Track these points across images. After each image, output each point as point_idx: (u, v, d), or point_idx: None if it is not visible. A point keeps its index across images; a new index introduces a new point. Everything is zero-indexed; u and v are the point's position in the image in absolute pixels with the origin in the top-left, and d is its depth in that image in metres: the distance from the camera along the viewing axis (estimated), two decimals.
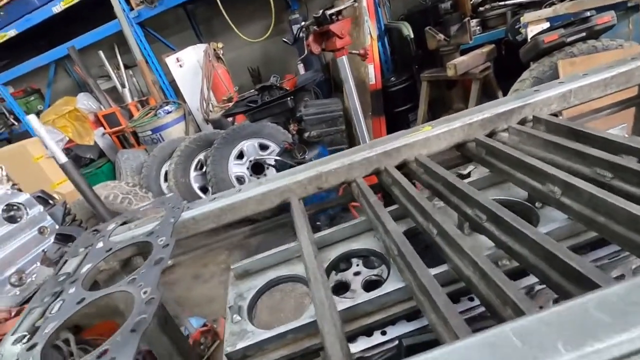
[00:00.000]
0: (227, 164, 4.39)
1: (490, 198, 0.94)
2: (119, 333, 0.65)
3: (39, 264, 2.93)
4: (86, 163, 6.72)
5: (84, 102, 6.19)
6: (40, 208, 2.98)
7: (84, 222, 3.63)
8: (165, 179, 4.94)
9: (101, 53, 6.06)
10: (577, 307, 0.45)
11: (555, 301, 0.79)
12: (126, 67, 6.37)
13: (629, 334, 0.41)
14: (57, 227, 3.15)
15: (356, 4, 3.72)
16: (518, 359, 0.41)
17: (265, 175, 4.51)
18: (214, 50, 5.23)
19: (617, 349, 0.40)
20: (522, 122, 1.11)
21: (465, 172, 1.29)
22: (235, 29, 5.27)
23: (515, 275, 0.77)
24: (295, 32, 2.56)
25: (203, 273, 4.27)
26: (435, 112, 4.73)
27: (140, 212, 1.16)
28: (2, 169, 3.07)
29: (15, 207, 2.86)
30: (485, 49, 3.67)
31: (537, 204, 0.90)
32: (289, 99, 3.02)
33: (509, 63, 3.65)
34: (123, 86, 6.22)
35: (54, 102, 6.53)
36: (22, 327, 0.77)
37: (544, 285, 0.75)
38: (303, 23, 2.42)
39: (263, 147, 4.55)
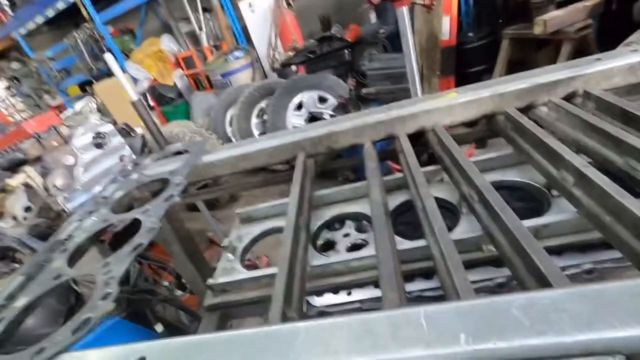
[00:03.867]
0: (286, 114, 4.49)
1: (505, 179, 0.87)
2: (121, 251, 0.78)
3: None
4: (167, 101, 7.40)
5: (166, 43, 6.65)
6: (120, 139, 3.43)
7: None
8: (230, 124, 5.24)
9: None
10: (499, 304, 0.43)
11: None
12: (204, 10, 6.59)
13: (539, 340, 0.38)
14: (134, 157, 3.62)
15: None
16: (415, 340, 0.41)
17: None
18: None
19: (520, 352, 0.38)
20: (570, 96, 0.95)
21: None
22: None
23: (498, 263, 0.72)
24: None
25: None
26: None
27: (171, 152, 1.29)
28: (92, 101, 3.53)
29: (101, 136, 3.34)
30: (589, 2, 3.04)
31: (553, 191, 0.80)
32: (346, 51, 2.90)
33: (620, 22, 3.02)
34: (200, 29, 6.50)
35: (143, 41, 7.12)
36: (62, 234, 0.96)
37: None
38: None
39: (322, 100, 4.52)
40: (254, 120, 4.93)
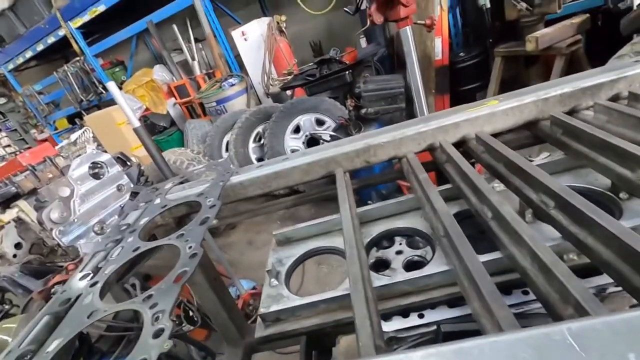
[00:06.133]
0: (284, 137, 4.48)
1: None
2: (164, 282, 0.70)
3: (117, 217, 3.32)
4: (160, 130, 7.33)
5: (159, 73, 6.67)
6: (118, 168, 3.33)
7: (154, 183, 4.00)
8: (227, 149, 5.20)
9: (175, 27, 6.42)
10: None
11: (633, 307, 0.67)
12: (196, 40, 6.69)
13: None
14: (132, 185, 3.52)
15: None
16: None
17: None
18: (277, 23, 5.24)
19: None
20: (614, 98, 0.94)
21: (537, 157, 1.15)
22: (299, 1, 5.21)
23: (583, 272, 0.67)
24: (357, 2, 2.44)
25: (256, 240, 4.51)
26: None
27: (194, 174, 1.22)
28: (89, 131, 3.45)
29: (99, 166, 3.24)
30: (577, 20, 3.18)
31: (622, 195, 0.77)
32: (347, 73, 2.93)
33: (605, 37, 3.15)
34: (193, 59, 6.57)
35: (134, 73, 7.14)
36: (87, 267, 0.87)
37: (620, 288, 0.64)
38: None
39: (319, 123, 4.54)
40: (252, 145, 4.91)
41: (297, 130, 4.52)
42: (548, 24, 3.35)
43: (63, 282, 2.18)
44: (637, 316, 0.37)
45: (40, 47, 7.34)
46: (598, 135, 0.77)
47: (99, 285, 0.76)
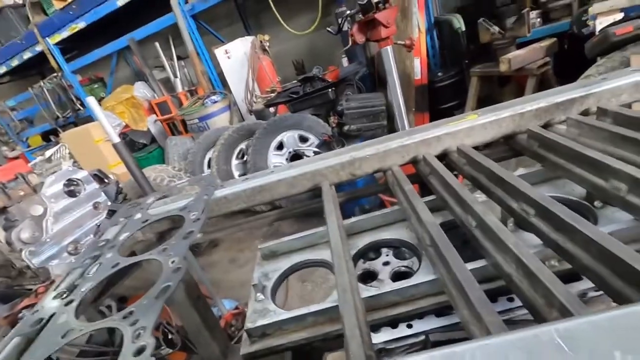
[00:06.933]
0: (267, 154, 4.47)
1: None
2: (145, 297, 0.67)
3: (92, 236, 3.19)
4: (139, 147, 7.18)
5: (140, 90, 6.60)
6: (95, 185, 3.23)
7: None
8: (209, 166, 5.13)
9: (157, 44, 6.40)
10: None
11: None
12: (179, 58, 6.69)
13: None
14: (109, 203, 3.40)
15: None
16: None
17: None
18: (261, 42, 5.32)
19: None
20: (584, 113, 0.99)
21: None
22: (282, 22, 5.32)
23: (565, 278, 0.68)
24: (339, 23, 2.51)
25: (239, 258, 4.41)
26: None
27: (177, 189, 1.20)
28: (65, 147, 3.35)
29: (75, 183, 3.12)
30: (545, 43, 3.39)
31: (596, 203, 0.80)
32: (330, 90, 2.98)
33: (572, 59, 3.35)
34: (175, 76, 6.54)
35: (114, 90, 7.03)
36: (63, 285, 0.83)
37: (600, 292, 0.66)
38: (348, 12, 2.37)
39: (303, 139, 4.57)
40: (234, 162, 4.87)
41: (280, 147, 4.52)
42: (519, 46, 3.55)
43: (32, 306, 2.05)
44: (620, 314, 0.38)
45: (15, 63, 7.15)
46: (574, 147, 0.81)
47: (75, 304, 0.72)
